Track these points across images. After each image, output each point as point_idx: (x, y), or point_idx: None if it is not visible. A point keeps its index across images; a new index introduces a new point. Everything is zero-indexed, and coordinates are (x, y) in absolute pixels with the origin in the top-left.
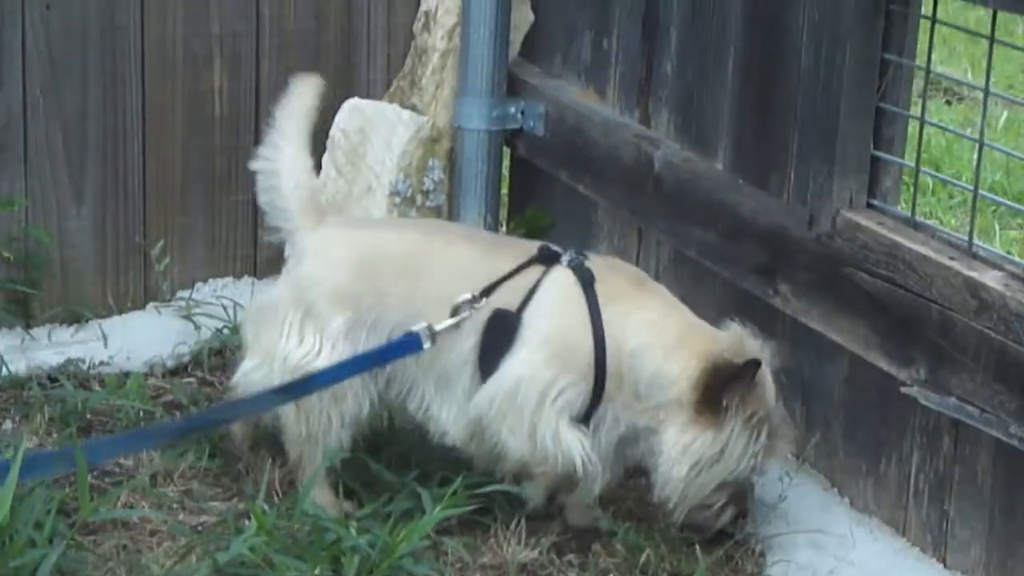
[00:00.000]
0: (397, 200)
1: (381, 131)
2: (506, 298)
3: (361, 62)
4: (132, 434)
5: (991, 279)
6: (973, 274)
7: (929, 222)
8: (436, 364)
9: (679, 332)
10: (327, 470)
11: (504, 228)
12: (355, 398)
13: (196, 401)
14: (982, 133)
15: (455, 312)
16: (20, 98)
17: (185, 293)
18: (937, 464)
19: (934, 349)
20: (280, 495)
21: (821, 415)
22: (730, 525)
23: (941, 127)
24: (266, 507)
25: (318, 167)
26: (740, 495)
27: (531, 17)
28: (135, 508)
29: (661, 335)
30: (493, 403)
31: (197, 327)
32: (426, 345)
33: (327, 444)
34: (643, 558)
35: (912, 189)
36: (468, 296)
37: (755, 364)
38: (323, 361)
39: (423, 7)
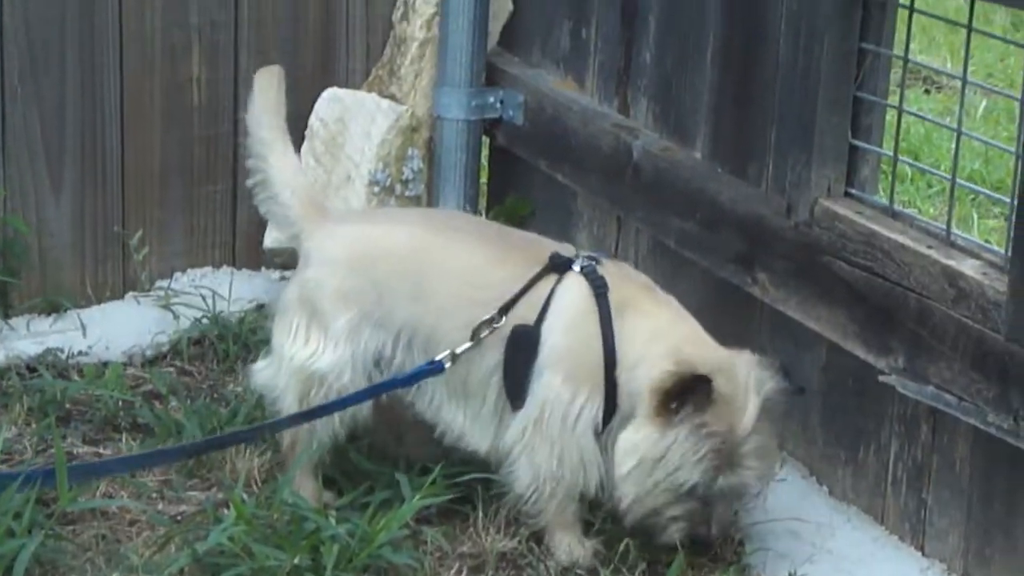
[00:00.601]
0: (376, 189)
1: (360, 120)
2: (523, 311)
3: (340, 52)
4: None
5: (969, 268)
6: (951, 263)
7: (907, 211)
8: (454, 376)
9: (675, 343)
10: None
11: (484, 217)
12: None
13: (175, 391)
14: (960, 122)
15: (475, 334)
16: None
17: (164, 283)
18: (915, 452)
19: (912, 338)
20: (259, 484)
21: (799, 404)
22: (682, 539)
23: (919, 116)
24: (245, 496)
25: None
26: (698, 516)
27: (510, 6)
28: (114, 498)
29: (660, 346)
30: (525, 431)
31: (176, 316)
32: (447, 365)
33: (321, 437)
34: (621, 547)
35: (890, 178)
36: (487, 317)
37: (703, 380)
38: (327, 361)
39: None
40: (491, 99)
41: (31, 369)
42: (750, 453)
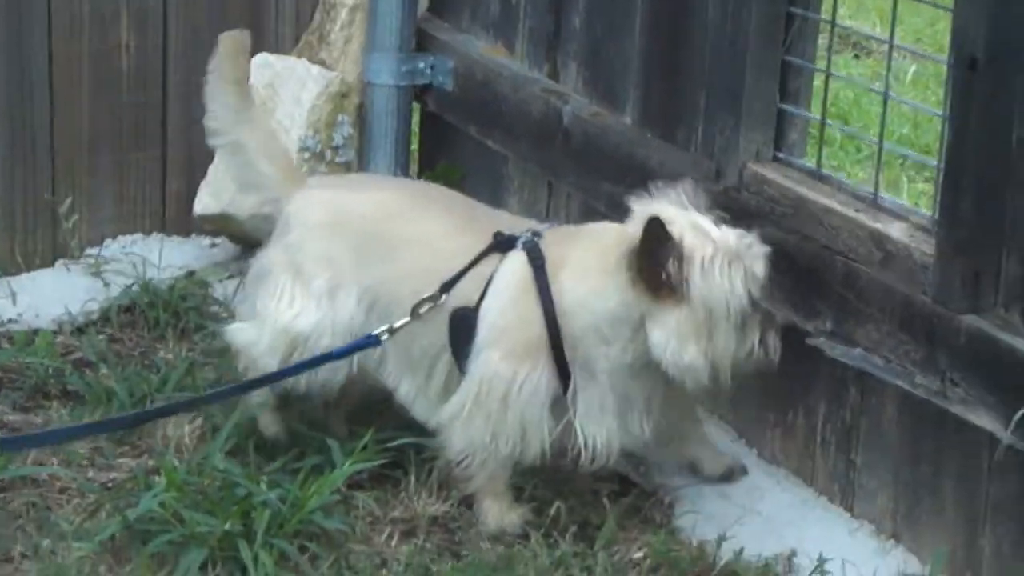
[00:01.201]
0: (307, 155)
1: (290, 86)
2: (467, 292)
3: (269, 17)
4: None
5: (896, 230)
6: (878, 226)
7: (836, 175)
8: (406, 351)
9: (608, 263)
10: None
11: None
12: (332, 364)
13: (105, 358)
14: (887, 86)
15: (414, 310)
16: None
17: (94, 250)
18: (843, 415)
19: (840, 301)
20: (190, 451)
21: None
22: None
23: (848, 80)
24: (176, 463)
25: None
26: (766, 321)
27: None
28: (44, 465)
29: (597, 280)
30: (463, 406)
31: (106, 284)
32: (384, 339)
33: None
34: (552, 511)
35: (819, 142)
36: (427, 294)
37: (653, 221)
38: (310, 320)
39: None
40: (421, 65)
41: None
42: (742, 247)
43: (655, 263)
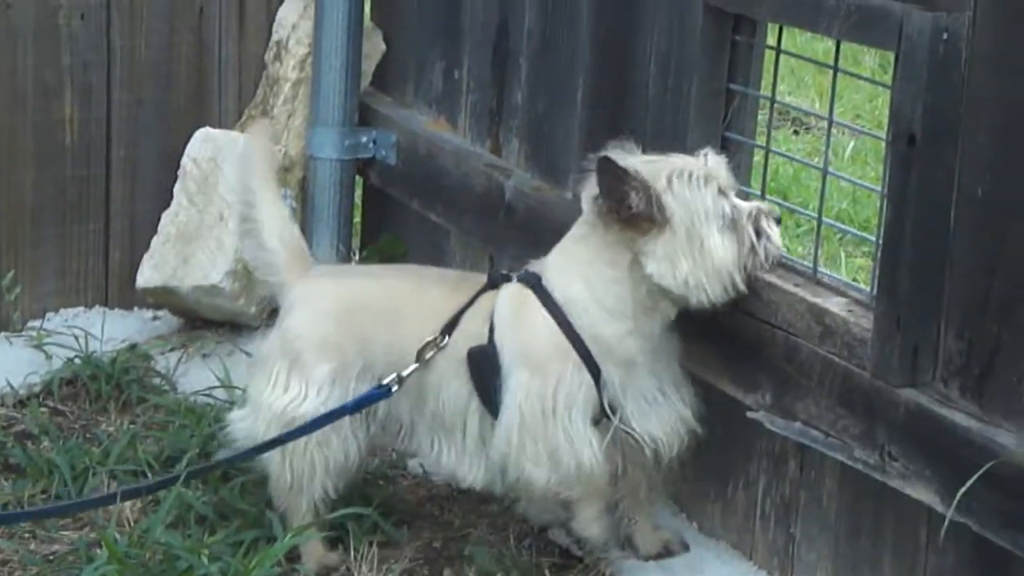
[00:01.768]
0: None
1: (232, 160)
2: (475, 331)
3: (212, 92)
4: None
5: (835, 305)
6: (817, 300)
7: None
8: (430, 412)
9: (581, 246)
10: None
11: (357, 257)
12: (341, 444)
13: (47, 431)
14: (826, 162)
15: (420, 355)
16: None
17: (36, 323)
18: (783, 488)
19: (779, 374)
20: (132, 523)
21: None
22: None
23: (787, 156)
24: (118, 536)
25: (170, 197)
26: (756, 210)
27: (383, 47)
28: None
29: (581, 261)
30: (511, 441)
31: (48, 356)
32: (395, 389)
33: (311, 492)
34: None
35: None
36: (430, 338)
37: (603, 159)
38: (309, 406)
39: (275, 37)
40: (364, 139)
41: None
42: (699, 161)
43: (620, 196)
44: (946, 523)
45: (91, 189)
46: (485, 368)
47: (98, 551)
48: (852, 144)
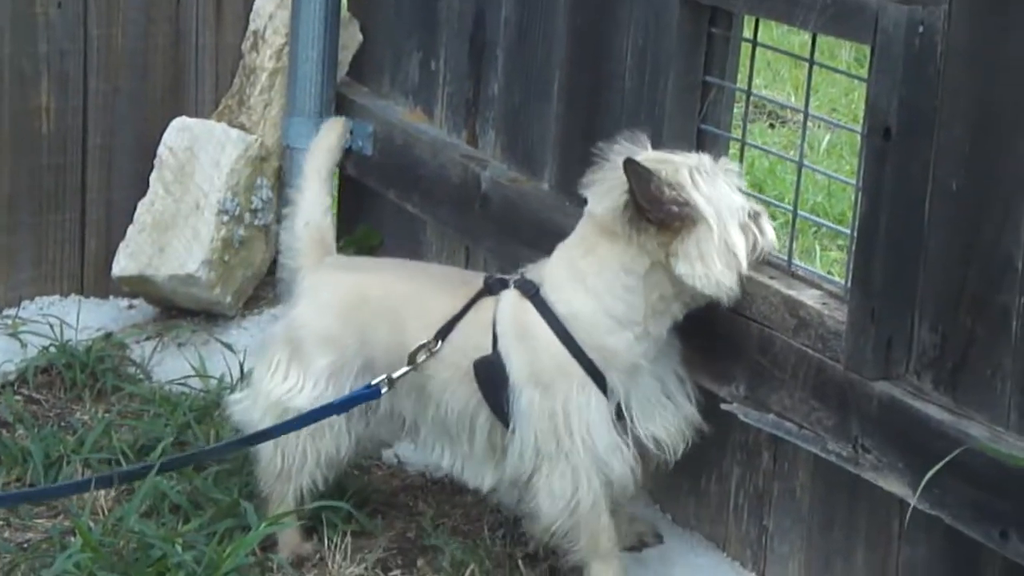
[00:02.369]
0: (225, 219)
1: (209, 150)
2: (478, 342)
3: (189, 81)
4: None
5: (809, 298)
6: (792, 293)
7: None
8: (432, 418)
9: (585, 257)
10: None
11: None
12: (333, 437)
13: (22, 419)
14: (801, 155)
15: (412, 358)
16: None
17: (11, 311)
18: (756, 480)
19: (754, 366)
20: (106, 512)
21: None
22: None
23: (762, 149)
24: (92, 524)
25: (146, 186)
26: (753, 209)
27: (360, 38)
28: None
29: (587, 271)
30: (524, 460)
31: (23, 345)
32: (384, 391)
33: (299, 481)
34: (467, 573)
35: None
36: (423, 341)
37: (628, 161)
38: (305, 398)
39: (252, 27)
40: None
41: None
42: (704, 157)
43: (653, 199)
44: (910, 509)
45: (67, 178)
46: (493, 379)
47: (72, 539)
48: (828, 137)
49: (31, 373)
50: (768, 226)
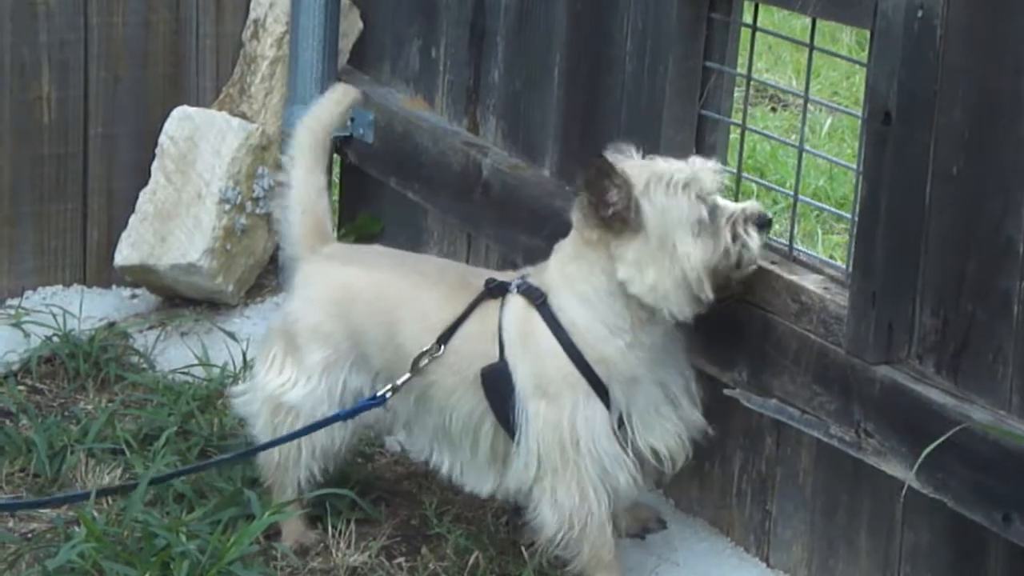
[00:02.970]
0: (227, 207)
1: (210, 138)
2: (484, 349)
3: (190, 70)
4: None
5: (811, 283)
6: (794, 278)
7: None
8: (433, 424)
9: (576, 263)
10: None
11: (335, 235)
12: (328, 431)
13: (25, 409)
14: (802, 139)
15: (414, 364)
16: None
17: (14, 301)
18: (759, 465)
19: (756, 352)
20: (110, 502)
21: None
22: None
23: (763, 133)
24: (96, 514)
25: (148, 175)
26: (738, 215)
27: (360, 26)
28: None
29: (576, 276)
30: (528, 470)
31: (26, 335)
32: (389, 396)
33: (297, 472)
34: (471, 560)
35: (735, 195)
36: (425, 347)
37: (596, 157)
38: (298, 393)
39: (252, 16)
40: None
41: None
42: (689, 165)
43: (600, 192)
44: (904, 487)
45: (69, 167)
46: (500, 388)
47: (76, 529)
48: (829, 121)
49: (34, 363)
50: (748, 232)
